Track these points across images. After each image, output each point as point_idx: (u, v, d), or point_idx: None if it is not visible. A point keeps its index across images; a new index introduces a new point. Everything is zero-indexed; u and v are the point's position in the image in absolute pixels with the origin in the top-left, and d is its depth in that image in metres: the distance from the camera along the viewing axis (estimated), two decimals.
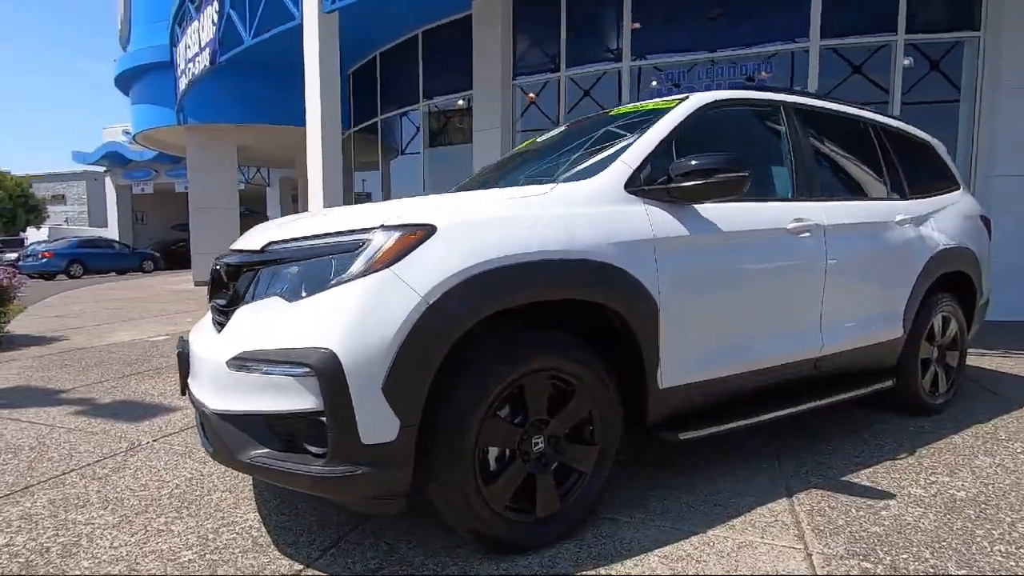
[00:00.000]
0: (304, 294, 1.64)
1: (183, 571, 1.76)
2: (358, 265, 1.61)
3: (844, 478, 2.41)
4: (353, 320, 1.55)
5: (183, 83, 10.30)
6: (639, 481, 2.37)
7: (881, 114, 3.33)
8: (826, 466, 2.53)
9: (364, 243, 1.65)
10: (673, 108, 2.35)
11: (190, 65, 9.60)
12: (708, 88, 7.98)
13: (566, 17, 8.78)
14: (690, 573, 1.72)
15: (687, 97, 2.43)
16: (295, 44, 7.24)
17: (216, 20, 8.29)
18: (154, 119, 13.55)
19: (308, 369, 1.53)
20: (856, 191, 2.97)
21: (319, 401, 1.53)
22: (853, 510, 2.12)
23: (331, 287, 1.61)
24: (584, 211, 1.94)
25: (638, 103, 2.71)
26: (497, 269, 1.68)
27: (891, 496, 2.24)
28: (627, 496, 2.24)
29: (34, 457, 2.71)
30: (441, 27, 10.36)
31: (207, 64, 8.76)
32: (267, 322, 1.68)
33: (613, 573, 1.73)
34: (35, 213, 34.96)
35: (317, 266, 1.67)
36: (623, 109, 2.71)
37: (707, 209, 2.19)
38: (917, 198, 3.18)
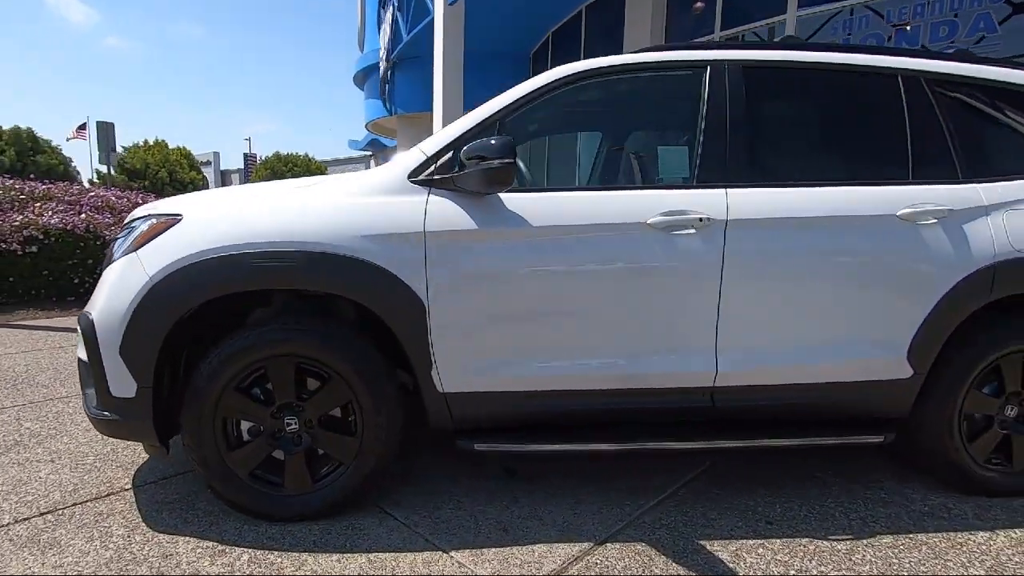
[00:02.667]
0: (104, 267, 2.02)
1: (77, 469, 2.35)
2: (124, 247, 1.92)
3: (701, 541, 1.91)
4: (107, 292, 1.87)
5: (381, 79, 12.01)
6: (461, 487, 2.24)
7: (952, 58, 2.31)
8: (702, 524, 2.02)
9: (135, 228, 1.94)
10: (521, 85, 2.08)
11: (381, 63, 11.14)
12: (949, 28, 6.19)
13: None
14: None
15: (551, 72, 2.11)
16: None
17: (391, 22, 9.46)
18: (377, 111, 16.02)
19: (81, 330, 1.90)
20: (835, 173, 2.14)
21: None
22: None
23: (111, 263, 1.95)
24: (353, 202, 1.91)
25: None
26: (225, 256, 1.80)
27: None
28: (432, 497, 2.15)
29: None
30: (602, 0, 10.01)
31: (385, 61, 10.07)
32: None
33: (307, 560, 1.76)
34: None
35: (117, 244, 2.02)
36: None
37: (516, 200, 1.92)
38: (986, 180, 2.16)
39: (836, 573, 1.76)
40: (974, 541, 1.95)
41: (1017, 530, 2.02)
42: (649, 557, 1.81)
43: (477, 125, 1.99)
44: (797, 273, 2.02)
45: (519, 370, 1.96)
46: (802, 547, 1.90)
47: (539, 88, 2.04)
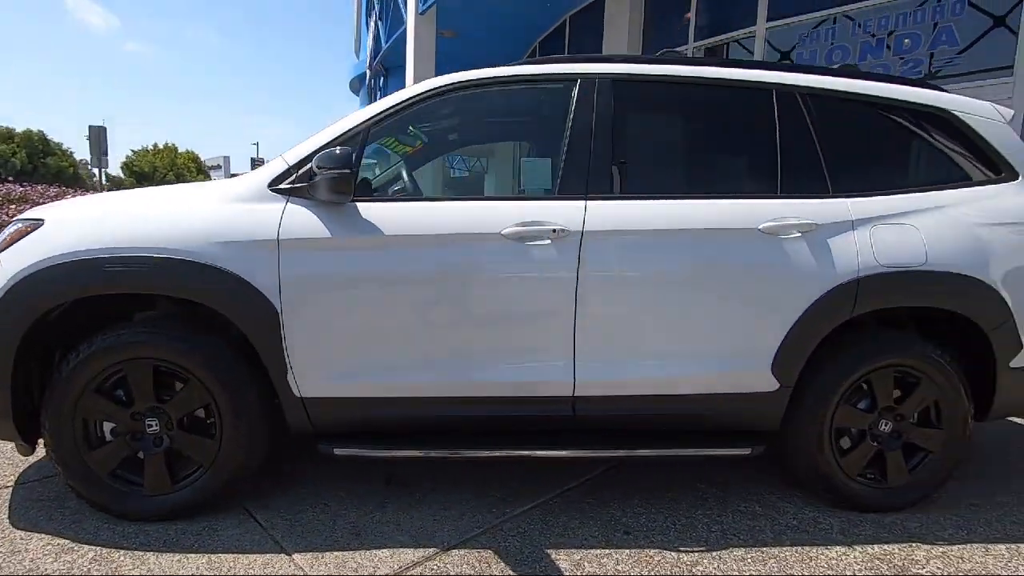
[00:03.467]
0: None
1: None
2: None
3: (548, 550, 1.92)
4: None
5: (368, 86, 12.17)
6: (336, 492, 2.26)
7: (833, 74, 2.32)
8: (558, 533, 2.02)
9: (4, 232, 2.00)
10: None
11: (367, 71, 11.29)
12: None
13: None
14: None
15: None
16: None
17: (374, 30, 9.59)
18: None
19: None
20: (702, 186, 2.16)
21: None
22: None
23: None
24: (211, 208, 1.96)
25: None
26: (79, 260, 1.85)
27: None
28: (303, 500, 2.18)
29: None
30: (585, 9, 10.07)
31: (369, 69, 10.21)
32: None
33: (149, 559, 1.80)
34: None
35: None
36: None
37: (372, 209, 1.96)
38: (857, 195, 2.16)
39: None
40: (826, 556, 1.95)
41: (876, 546, 2.01)
42: (488, 564, 1.83)
43: (341, 135, 2.03)
44: (655, 285, 2.04)
45: (376, 377, 1.99)
46: (648, 557, 1.90)
47: (407, 100, 2.08)
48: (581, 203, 2.03)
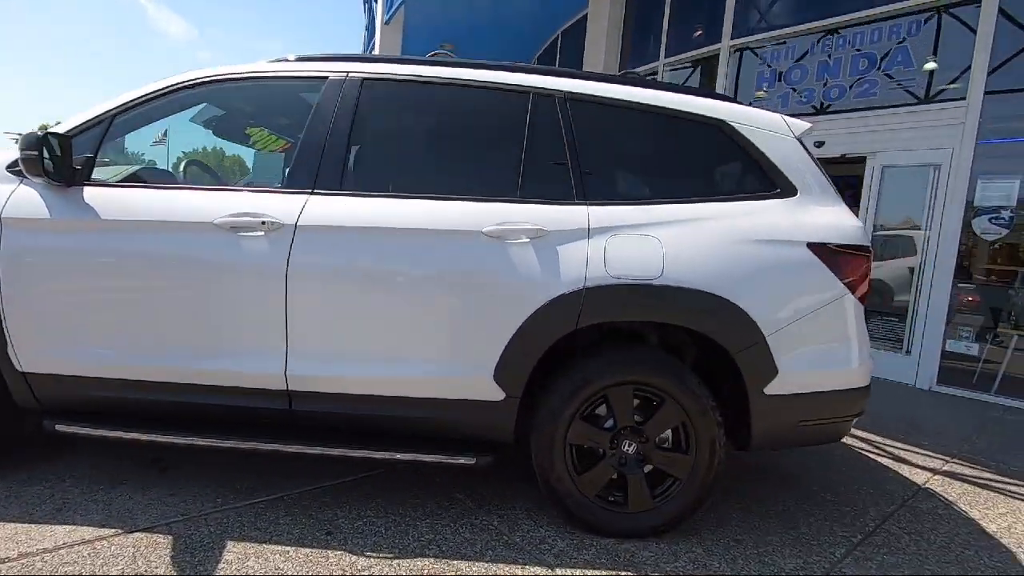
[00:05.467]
0: None
1: None
2: None
3: (230, 540, 1.90)
4: None
5: None
6: (91, 470, 2.31)
7: (605, 80, 2.26)
8: (260, 528, 2.01)
9: None
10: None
11: None
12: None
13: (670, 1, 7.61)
14: None
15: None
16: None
17: (365, 38, 9.89)
18: None
19: None
20: (436, 187, 2.10)
21: None
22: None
23: None
24: None
25: None
26: None
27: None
28: (48, 475, 2.24)
29: None
30: (574, 25, 10.10)
31: None
32: None
33: None
34: None
35: None
36: None
37: (94, 194, 2.02)
38: (603, 204, 2.08)
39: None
40: None
41: (580, 570, 1.91)
42: (152, 548, 1.83)
43: (84, 123, 2.11)
44: (370, 283, 2.01)
45: (93, 357, 2.03)
46: (321, 558, 1.86)
47: (152, 92, 2.15)
48: (304, 197, 2.03)
